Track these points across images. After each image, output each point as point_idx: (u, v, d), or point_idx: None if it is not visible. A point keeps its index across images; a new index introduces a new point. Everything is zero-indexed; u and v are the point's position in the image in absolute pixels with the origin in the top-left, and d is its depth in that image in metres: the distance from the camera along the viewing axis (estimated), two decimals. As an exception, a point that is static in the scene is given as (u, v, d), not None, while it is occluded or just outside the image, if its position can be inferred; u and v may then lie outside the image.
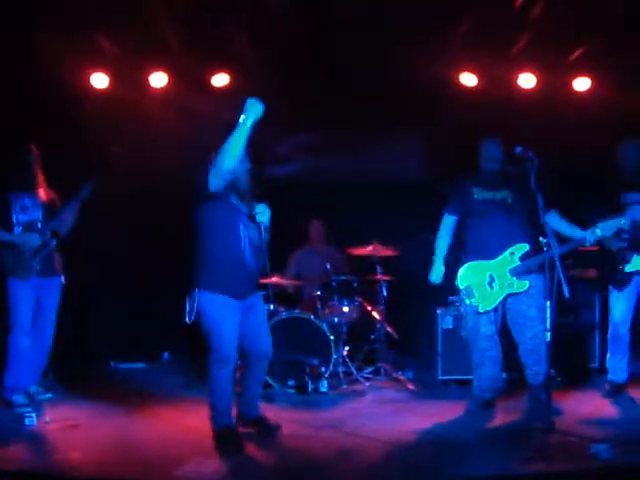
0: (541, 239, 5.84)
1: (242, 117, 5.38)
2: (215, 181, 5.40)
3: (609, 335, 6.96)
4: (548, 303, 5.71)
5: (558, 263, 5.59)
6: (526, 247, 6.29)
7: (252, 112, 5.38)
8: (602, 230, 6.12)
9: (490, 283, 6.35)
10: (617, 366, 6.91)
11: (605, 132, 7.80)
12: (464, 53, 8.32)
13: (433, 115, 8.62)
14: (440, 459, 5.36)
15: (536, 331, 6.28)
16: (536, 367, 6.33)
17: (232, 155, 5.35)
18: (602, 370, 7.19)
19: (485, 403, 6.51)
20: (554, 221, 6.43)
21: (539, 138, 7.66)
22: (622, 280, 6.73)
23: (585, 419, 6.18)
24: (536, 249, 6.18)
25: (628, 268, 6.67)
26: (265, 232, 5.68)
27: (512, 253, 6.31)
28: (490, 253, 6.37)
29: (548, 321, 5.68)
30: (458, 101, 8.64)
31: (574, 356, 7.65)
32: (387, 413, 6.61)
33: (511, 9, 7.47)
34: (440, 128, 8.67)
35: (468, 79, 8.68)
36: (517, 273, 6.28)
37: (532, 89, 8.71)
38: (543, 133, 8.21)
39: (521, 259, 6.29)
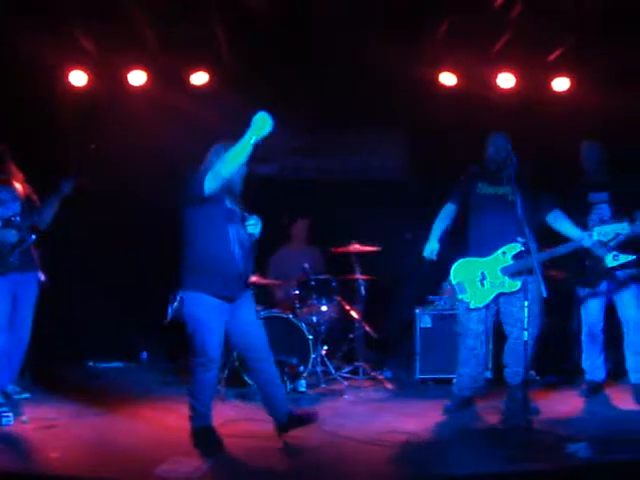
0: (519, 239, 5.85)
1: (248, 132, 5.24)
2: (211, 185, 5.33)
3: (584, 336, 7.01)
4: (526, 303, 5.71)
5: (536, 264, 5.62)
6: (518, 247, 6.14)
7: (259, 128, 5.22)
8: (598, 235, 6.08)
9: (482, 280, 6.35)
10: (594, 366, 6.95)
11: (583, 132, 7.84)
12: (444, 53, 8.33)
13: (414, 114, 8.63)
14: (419, 458, 5.34)
15: (523, 333, 6.28)
16: (516, 367, 6.34)
17: (231, 166, 5.29)
18: (580, 369, 7.20)
19: (463, 401, 6.53)
20: (557, 220, 6.42)
21: (518, 138, 7.72)
22: (594, 281, 6.76)
23: (562, 418, 6.22)
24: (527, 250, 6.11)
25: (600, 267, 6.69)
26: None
27: (504, 252, 6.29)
28: (484, 250, 6.36)
29: (526, 321, 5.68)
30: (438, 100, 8.65)
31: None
32: (365, 412, 6.61)
33: (491, 9, 7.48)
34: (421, 127, 8.68)
35: (448, 79, 8.69)
36: (508, 273, 6.27)
37: (511, 89, 8.73)
38: (522, 133, 8.22)
39: (514, 259, 6.27)
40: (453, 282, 6.48)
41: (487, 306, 6.38)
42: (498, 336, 6.56)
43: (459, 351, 6.52)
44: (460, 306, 6.51)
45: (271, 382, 5.72)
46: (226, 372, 7.34)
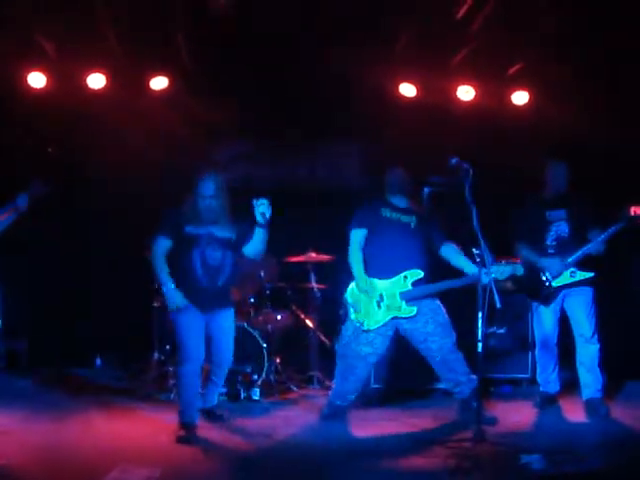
0: (474, 250, 5.88)
1: (165, 286, 5.99)
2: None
3: (538, 349, 7.04)
4: (480, 314, 5.73)
5: (487, 276, 5.65)
6: (420, 274, 6.33)
7: (169, 300, 6.03)
8: (496, 274, 6.03)
9: (379, 302, 6.36)
10: (548, 379, 6.98)
11: (541, 147, 7.91)
12: (404, 63, 8.34)
13: (371, 124, 8.64)
14: (371, 468, 5.31)
15: (440, 343, 6.35)
16: (451, 376, 6.43)
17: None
18: (534, 381, 7.24)
19: (340, 410, 6.59)
20: (450, 253, 6.51)
21: (477, 150, 7.76)
22: (548, 296, 6.81)
23: (516, 429, 6.23)
24: (429, 279, 6.36)
25: (555, 283, 6.75)
26: (258, 226, 6.01)
27: (405, 277, 6.34)
28: (385, 272, 6.38)
29: (479, 331, 5.69)
30: (397, 111, 8.67)
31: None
32: (318, 421, 6.58)
33: (451, 22, 7.51)
34: (378, 137, 8.70)
35: (407, 89, 8.69)
36: (407, 298, 6.31)
37: (471, 101, 8.75)
38: (481, 145, 8.29)
39: (413, 285, 6.34)
40: (349, 300, 6.46)
41: (379, 329, 6.37)
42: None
43: (337, 365, 6.62)
44: (349, 327, 6.50)
45: (213, 385, 6.44)
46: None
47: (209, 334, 6.14)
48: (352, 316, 6.42)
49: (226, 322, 6.25)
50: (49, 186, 6.47)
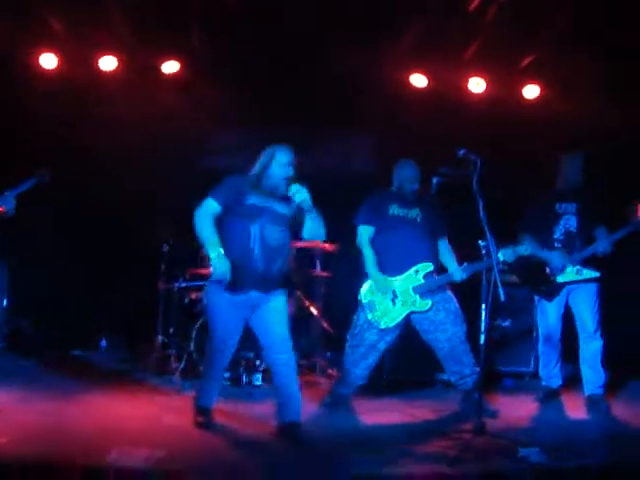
0: (480, 242, 5.87)
1: (210, 249, 5.44)
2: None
3: (541, 344, 7.05)
4: (484, 306, 5.74)
5: (495, 266, 5.63)
6: (431, 266, 6.40)
7: (215, 266, 5.44)
8: (504, 256, 6.13)
9: (393, 299, 6.39)
10: (551, 374, 6.99)
11: (552, 140, 7.88)
12: (415, 54, 8.32)
13: (383, 114, 8.61)
14: (367, 458, 5.28)
15: (449, 334, 6.39)
16: (457, 368, 6.45)
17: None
18: (537, 375, 7.25)
19: (344, 398, 6.61)
20: (441, 249, 6.59)
21: (487, 142, 7.75)
22: (552, 291, 6.80)
23: (516, 423, 6.23)
24: (440, 270, 6.41)
25: (560, 279, 6.75)
26: (306, 212, 5.59)
27: (417, 271, 6.39)
28: (396, 269, 6.42)
29: (483, 323, 5.69)
30: (408, 101, 8.65)
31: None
32: (318, 409, 6.58)
33: (464, 13, 7.50)
34: (389, 128, 8.67)
35: (418, 80, 8.68)
36: (420, 291, 6.36)
37: (482, 94, 8.74)
38: (492, 137, 8.27)
39: (425, 278, 6.38)
40: (363, 301, 6.47)
41: (396, 326, 6.43)
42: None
43: (349, 352, 6.58)
44: (361, 316, 6.52)
45: (281, 383, 5.77)
46: (183, 363, 7.32)
47: (258, 318, 5.74)
48: (368, 316, 6.43)
49: (276, 303, 5.70)
50: (53, 173, 6.50)
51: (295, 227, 5.70)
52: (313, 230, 5.67)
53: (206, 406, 5.85)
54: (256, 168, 5.65)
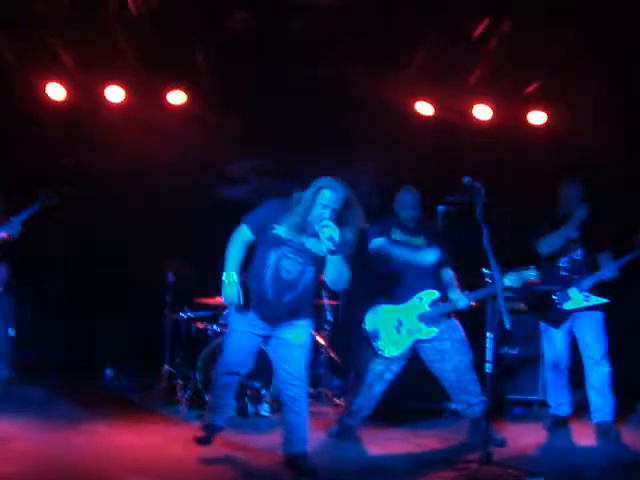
0: (484, 270, 5.86)
1: (226, 269, 5.51)
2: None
3: (548, 370, 7.01)
4: (490, 335, 5.70)
5: (499, 293, 5.60)
6: (436, 294, 6.37)
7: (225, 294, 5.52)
8: (510, 281, 6.09)
9: (397, 327, 6.37)
10: (559, 401, 6.94)
11: (559, 167, 7.85)
12: (421, 81, 8.32)
13: (388, 141, 8.62)
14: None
15: (455, 362, 6.35)
16: (464, 397, 6.40)
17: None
18: (546, 402, 7.21)
19: (350, 429, 6.56)
20: (445, 277, 6.56)
21: (494, 170, 7.76)
22: (559, 318, 6.77)
23: (524, 451, 6.22)
24: (444, 297, 6.38)
25: (568, 306, 6.72)
26: (328, 252, 5.25)
27: (420, 298, 6.37)
28: (400, 297, 6.42)
29: (489, 352, 5.65)
30: (414, 128, 8.64)
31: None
32: (324, 439, 6.54)
33: (468, 40, 7.52)
34: (394, 155, 8.68)
35: (424, 108, 8.68)
36: (425, 319, 6.34)
37: (488, 121, 8.71)
38: (498, 165, 8.28)
39: (430, 305, 6.36)
40: (367, 329, 6.44)
41: (402, 354, 6.40)
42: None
43: (353, 383, 6.68)
44: (368, 347, 6.48)
45: (290, 416, 5.65)
46: (189, 393, 7.30)
47: (272, 348, 5.72)
48: (373, 344, 6.40)
49: (290, 335, 5.58)
50: (59, 197, 6.52)
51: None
52: (331, 275, 5.41)
53: (211, 423, 5.84)
54: (296, 197, 5.46)
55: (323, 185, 5.36)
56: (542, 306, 6.86)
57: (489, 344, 5.66)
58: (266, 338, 5.67)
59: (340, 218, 5.33)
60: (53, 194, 6.57)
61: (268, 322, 5.57)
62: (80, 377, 8.42)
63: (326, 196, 5.32)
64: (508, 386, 7.63)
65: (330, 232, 5.13)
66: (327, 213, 5.27)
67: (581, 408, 7.07)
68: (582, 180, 6.90)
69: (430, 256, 6.34)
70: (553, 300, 6.74)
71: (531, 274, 6.16)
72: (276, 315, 5.53)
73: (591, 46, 7.43)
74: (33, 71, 8.22)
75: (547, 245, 6.75)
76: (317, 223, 5.24)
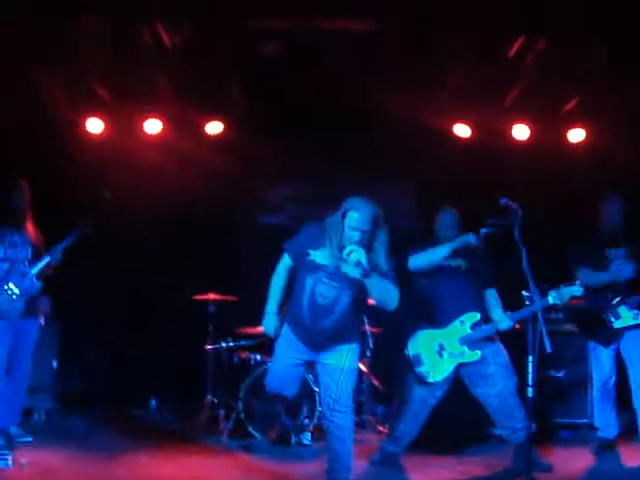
0: (524, 292, 5.77)
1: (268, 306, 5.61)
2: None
3: (596, 392, 6.90)
4: (531, 358, 5.60)
5: (540, 317, 5.50)
6: (477, 316, 6.29)
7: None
8: (555, 299, 6.03)
9: (439, 352, 6.30)
10: (606, 423, 6.82)
11: (600, 184, 7.73)
12: (457, 104, 8.26)
13: (426, 164, 8.57)
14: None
15: (500, 387, 6.24)
16: (509, 423, 6.28)
17: None
18: (594, 426, 7.06)
19: (393, 456, 6.48)
20: (488, 299, 6.45)
21: (533, 190, 7.67)
22: (610, 337, 6.65)
23: (571, 476, 6.14)
24: (486, 319, 6.30)
25: (618, 324, 6.60)
26: (361, 276, 5.12)
27: (462, 321, 6.29)
28: (441, 321, 6.35)
29: (530, 376, 5.55)
30: (452, 151, 8.58)
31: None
32: (367, 467, 6.46)
33: (503, 60, 7.47)
34: (433, 178, 8.63)
35: (462, 130, 8.62)
36: (467, 342, 6.25)
37: (526, 140, 8.63)
38: (538, 185, 8.19)
39: (472, 328, 6.28)
40: (410, 354, 6.37)
41: (446, 380, 6.32)
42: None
43: (396, 410, 6.56)
44: (411, 372, 6.41)
45: (334, 444, 5.56)
46: (231, 423, 7.27)
47: (318, 374, 5.65)
48: (416, 369, 6.33)
49: (332, 360, 5.48)
50: (95, 227, 6.58)
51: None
52: (375, 295, 5.31)
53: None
54: (328, 221, 5.38)
55: (349, 207, 5.28)
56: (592, 325, 6.75)
57: (530, 367, 5.57)
58: (311, 364, 5.69)
59: (372, 237, 5.29)
60: (90, 223, 6.61)
61: (310, 347, 5.52)
62: (122, 408, 8.46)
63: (354, 218, 5.22)
64: (556, 409, 7.53)
65: (356, 257, 5.06)
66: (356, 235, 5.19)
67: (629, 429, 6.93)
68: (623, 196, 6.80)
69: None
70: (604, 319, 6.62)
71: (575, 289, 6.08)
72: (317, 341, 5.47)
73: (626, 61, 7.32)
74: (72, 105, 8.33)
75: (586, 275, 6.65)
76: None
